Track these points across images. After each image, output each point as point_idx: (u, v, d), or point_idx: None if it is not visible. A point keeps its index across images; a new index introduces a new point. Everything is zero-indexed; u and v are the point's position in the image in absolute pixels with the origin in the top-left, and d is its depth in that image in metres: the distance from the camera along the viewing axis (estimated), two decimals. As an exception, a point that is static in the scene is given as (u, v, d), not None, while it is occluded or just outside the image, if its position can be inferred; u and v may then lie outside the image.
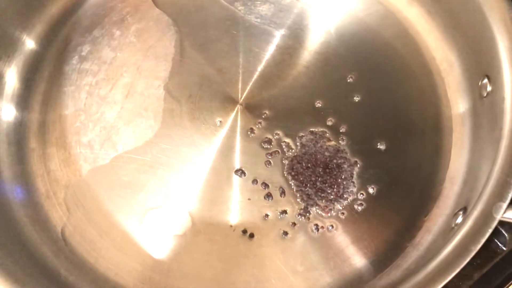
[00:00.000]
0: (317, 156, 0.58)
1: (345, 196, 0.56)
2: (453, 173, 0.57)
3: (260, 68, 0.63)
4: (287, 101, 0.61)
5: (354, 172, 0.57)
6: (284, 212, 0.56)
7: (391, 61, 0.64)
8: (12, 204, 0.55)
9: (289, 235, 0.55)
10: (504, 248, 0.53)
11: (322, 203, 0.56)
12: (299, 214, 0.56)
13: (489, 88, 0.54)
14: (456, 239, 0.44)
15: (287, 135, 0.59)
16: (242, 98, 0.62)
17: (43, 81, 0.62)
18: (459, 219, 0.50)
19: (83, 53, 0.64)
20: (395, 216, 0.56)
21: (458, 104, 0.60)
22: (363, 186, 0.57)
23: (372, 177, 0.57)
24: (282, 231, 0.55)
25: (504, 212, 0.43)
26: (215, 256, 0.54)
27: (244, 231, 0.55)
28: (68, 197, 0.57)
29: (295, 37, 0.65)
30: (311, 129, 0.60)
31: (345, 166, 0.58)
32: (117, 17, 0.66)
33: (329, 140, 0.59)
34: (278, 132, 0.60)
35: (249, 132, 0.60)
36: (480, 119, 0.56)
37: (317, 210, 0.56)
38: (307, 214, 0.56)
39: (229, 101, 0.61)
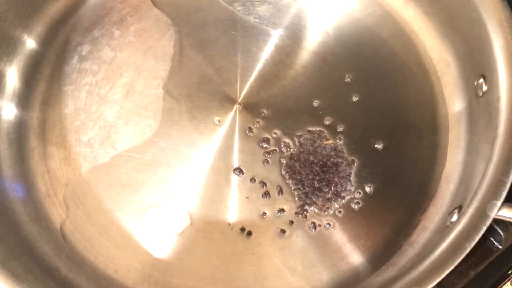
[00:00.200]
0: (315, 155, 0.58)
1: (342, 194, 0.57)
2: (449, 172, 0.58)
3: (258, 67, 0.64)
4: (285, 100, 0.62)
5: (351, 171, 0.58)
6: (282, 210, 0.56)
7: (388, 61, 0.64)
8: (12, 202, 0.56)
9: (287, 233, 0.56)
10: (500, 247, 0.53)
11: (320, 201, 0.56)
12: (297, 212, 0.56)
13: (484, 88, 0.54)
14: (451, 237, 0.45)
15: (285, 134, 0.60)
16: (241, 98, 0.62)
17: (43, 81, 0.62)
18: (455, 217, 0.51)
19: (83, 53, 0.64)
20: (392, 214, 0.56)
21: (454, 103, 0.61)
22: (360, 185, 0.57)
23: (369, 176, 0.58)
24: (280, 229, 0.56)
25: (498, 210, 0.44)
26: (213, 254, 0.55)
27: (242, 229, 0.56)
28: (68, 195, 0.57)
29: (293, 37, 0.65)
30: (309, 128, 0.60)
31: (342, 165, 0.58)
32: (116, 17, 0.66)
33: (327, 139, 0.59)
34: (276, 131, 0.60)
35: (247, 131, 0.60)
36: (476, 118, 0.56)
37: (315, 209, 0.56)
38: (305, 213, 0.56)
39: (228, 100, 0.62)
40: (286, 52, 0.65)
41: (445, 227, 0.52)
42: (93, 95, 0.62)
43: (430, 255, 0.45)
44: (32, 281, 0.47)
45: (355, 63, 0.64)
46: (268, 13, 0.66)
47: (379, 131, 0.60)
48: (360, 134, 0.60)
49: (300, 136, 0.60)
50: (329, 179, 0.57)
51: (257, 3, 0.67)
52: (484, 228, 0.44)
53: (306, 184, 0.57)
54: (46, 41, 0.64)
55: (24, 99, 0.61)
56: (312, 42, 0.65)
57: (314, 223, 0.56)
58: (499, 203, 0.44)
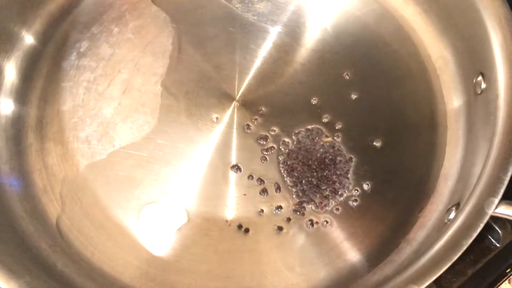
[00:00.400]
0: (313, 152, 0.58)
1: (340, 192, 0.57)
2: (447, 170, 0.58)
3: (256, 65, 0.64)
4: (284, 97, 0.62)
5: (349, 169, 0.58)
6: (279, 207, 0.56)
7: (387, 58, 0.64)
8: (9, 198, 0.56)
9: (284, 230, 0.55)
10: (498, 245, 0.53)
11: (317, 199, 0.56)
12: (294, 209, 0.56)
13: (483, 86, 0.54)
14: (448, 234, 0.45)
15: (283, 132, 0.60)
16: (239, 95, 0.62)
17: (41, 77, 0.62)
18: (452, 215, 0.51)
19: (82, 50, 0.64)
20: (389, 212, 0.56)
21: (452, 101, 0.61)
22: (358, 183, 0.57)
23: (367, 173, 0.58)
24: (277, 226, 0.56)
25: (496, 208, 0.44)
26: (211, 251, 0.55)
27: (240, 226, 0.56)
28: (65, 191, 0.57)
29: (292, 35, 0.65)
30: (307, 126, 0.60)
31: (341, 162, 0.58)
32: (115, 14, 0.66)
33: (325, 136, 0.59)
34: (274, 129, 0.60)
35: (245, 129, 0.60)
36: (474, 116, 0.56)
37: (312, 206, 0.56)
38: (302, 210, 0.56)
39: (226, 97, 0.62)
40: (284, 49, 0.64)
41: (442, 225, 0.51)
42: (91, 92, 0.62)
43: (427, 252, 0.45)
44: (29, 277, 0.47)
45: (354, 60, 0.64)
46: (266, 10, 0.66)
47: (377, 129, 0.60)
48: (358, 131, 0.60)
49: (298, 133, 0.60)
50: (327, 176, 0.57)
51: (256, 0, 0.67)
52: (482, 225, 0.43)
53: (303, 182, 0.57)
54: (44, 38, 0.64)
55: (22, 95, 0.61)
56: (310, 40, 0.65)
57: (311, 220, 0.56)
58: (496, 200, 0.44)
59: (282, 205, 0.56)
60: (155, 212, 0.56)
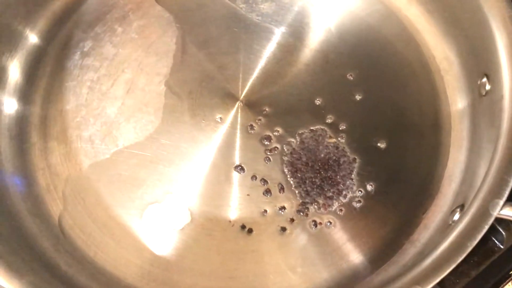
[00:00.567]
0: (316, 153, 0.58)
1: (343, 193, 0.57)
2: (451, 171, 0.57)
3: (260, 65, 0.63)
4: (287, 98, 0.62)
5: (353, 170, 0.58)
6: (283, 208, 0.56)
7: (391, 59, 0.64)
8: (12, 197, 0.56)
9: (287, 231, 0.55)
10: (502, 246, 0.53)
11: (321, 199, 0.56)
12: (298, 210, 0.56)
13: (488, 87, 0.54)
14: (453, 236, 0.44)
15: (286, 132, 0.60)
16: (243, 95, 0.62)
17: (45, 76, 0.62)
18: (456, 216, 0.51)
19: (85, 49, 0.64)
20: (393, 213, 0.56)
21: (457, 102, 0.61)
22: (361, 183, 0.57)
23: (371, 174, 0.58)
24: (281, 227, 0.55)
25: (501, 209, 0.44)
26: (214, 251, 0.55)
27: (243, 227, 0.56)
28: (69, 191, 0.57)
29: (296, 35, 0.65)
30: (310, 126, 0.60)
31: (344, 163, 0.58)
32: (119, 13, 0.66)
33: (329, 137, 0.59)
34: (278, 129, 0.60)
35: (249, 129, 0.60)
36: (479, 117, 0.56)
37: (316, 207, 0.56)
38: (306, 211, 0.56)
39: (230, 97, 0.62)
40: (288, 50, 0.64)
41: (447, 226, 0.51)
42: (95, 91, 0.62)
43: (432, 253, 0.44)
44: (32, 276, 0.47)
45: (358, 61, 0.64)
46: (270, 10, 0.66)
47: (381, 130, 0.60)
48: (362, 132, 0.60)
49: (302, 134, 0.60)
50: (331, 177, 0.57)
51: (260, 0, 0.67)
52: (487, 227, 0.43)
53: (307, 182, 0.57)
54: (48, 37, 0.64)
55: (25, 94, 0.61)
56: (314, 40, 0.65)
57: (315, 221, 0.56)
58: (501, 202, 0.44)
59: (286, 205, 0.56)
60: (158, 212, 0.56)
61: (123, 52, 0.64)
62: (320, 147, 0.59)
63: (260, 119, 0.61)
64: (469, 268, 0.53)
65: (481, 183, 0.47)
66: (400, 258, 0.53)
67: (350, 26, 0.66)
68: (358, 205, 0.56)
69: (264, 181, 0.57)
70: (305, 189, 0.57)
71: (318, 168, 0.57)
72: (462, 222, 0.45)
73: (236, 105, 0.61)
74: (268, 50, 0.64)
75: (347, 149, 0.59)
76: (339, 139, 0.59)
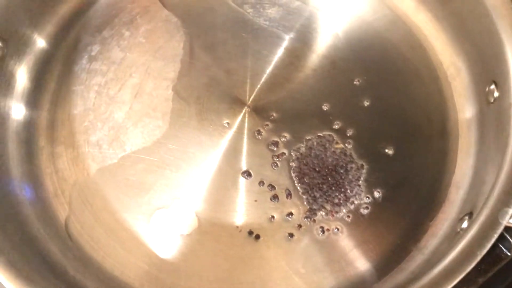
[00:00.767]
0: (324, 159, 0.58)
1: (351, 199, 0.57)
2: (459, 178, 0.57)
3: (268, 70, 0.63)
4: (295, 103, 0.62)
5: (361, 176, 0.58)
6: (290, 214, 0.56)
7: (398, 65, 0.64)
8: (20, 202, 0.56)
9: (295, 237, 0.55)
10: (509, 254, 0.53)
11: (328, 206, 0.56)
12: (305, 216, 0.56)
13: (496, 94, 0.54)
14: (462, 244, 0.45)
15: (294, 138, 0.60)
16: (250, 100, 0.62)
17: (52, 80, 0.62)
18: (465, 224, 0.51)
19: (93, 53, 0.64)
20: (401, 220, 0.56)
21: (464, 109, 0.60)
22: (369, 190, 0.57)
23: (378, 180, 0.58)
24: (288, 233, 0.55)
25: (510, 218, 0.44)
26: (221, 257, 0.55)
27: (250, 232, 0.56)
28: (76, 195, 0.57)
29: (303, 40, 0.65)
30: (318, 132, 0.60)
31: (352, 169, 0.58)
32: (126, 17, 0.66)
33: (336, 143, 0.59)
34: (285, 135, 0.60)
35: (256, 134, 0.60)
36: (487, 124, 0.56)
37: (323, 213, 0.56)
38: (313, 217, 0.56)
39: (237, 102, 0.62)
40: (296, 55, 0.64)
41: (455, 234, 0.51)
42: (102, 96, 0.62)
43: (441, 261, 0.45)
44: (40, 282, 0.47)
45: (365, 67, 0.64)
46: (278, 15, 0.66)
47: (388, 136, 0.60)
48: (370, 138, 0.60)
49: (309, 139, 0.59)
50: (338, 183, 0.57)
51: (267, 5, 0.67)
52: (496, 236, 0.44)
53: (315, 188, 0.57)
54: (56, 41, 0.64)
55: (33, 98, 0.61)
56: (322, 45, 0.65)
57: (322, 227, 0.56)
58: (511, 210, 0.44)
59: (293, 211, 0.56)
60: (165, 217, 0.56)
61: (131, 56, 0.64)
62: (328, 153, 0.59)
63: (267, 125, 0.61)
64: (476, 275, 0.53)
65: (490, 191, 0.47)
66: (407, 265, 0.53)
67: (358, 32, 0.66)
68: (365, 211, 0.56)
69: (272, 186, 0.57)
70: (312, 195, 0.57)
71: (325, 174, 0.57)
72: (471, 230, 0.45)
73: (244, 110, 0.61)
74: (276, 55, 0.64)
75: (354, 155, 0.59)
76: (346, 145, 0.59)
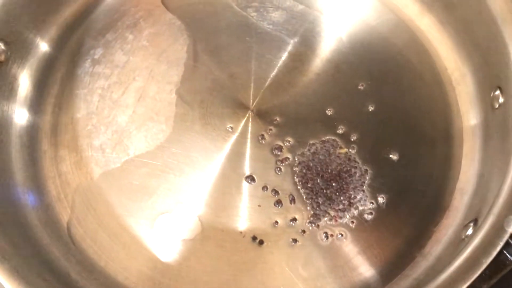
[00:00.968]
0: (328, 164, 0.58)
1: (355, 205, 0.56)
2: (463, 184, 0.57)
3: (272, 74, 0.63)
4: (298, 108, 0.62)
5: (365, 181, 0.58)
6: (294, 219, 0.56)
7: (402, 70, 0.64)
8: (23, 206, 0.56)
9: (299, 243, 0.55)
10: (513, 260, 0.53)
11: (332, 211, 0.56)
12: (309, 221, 0.56)
13: (501, 100, 0.54)
14: (467, 251, 0.45)
15: (298, 142, 0.60)
16: (254, 105, 0.62)
17: (56, 84, 0.62)
18: (470, 231, 0.50)
19: (96, 56, 0.64)
20: (405, 225, 0.56)
21: (469, 114, 0.60)
22: (373, 195, 0.57)
23: (382, 186, 0.57)
24: (292, 239, 0.55)
25: (516, 225, 0.44)
26: (224, 262, 0.55)
27: (254, 238, 0.55)
28: (79, 200, 0.57)
29: (307, 44, 0.65)
30: (322, 137, 0.60)
31: (356, 175, 0.58)
32: (130, 21, 0.66)
33: (341, 148, 0.59)
34: (289, 139, 0.60)
35: (260, 139, 0.60)
36: (492, 130, 0.56)
37: (327, 219, 0.56)
38: (317, 222, 0.56)
39: (241, 107, 0.61)
40: (299, 59, 0.64)
41: (460, 241, 0.51)
42: (106, 99, 0.62)
43: (446, 269, 0.44)
44: (43, 286, 0.47)
45: (369, 71, 0.64)
46: (282, 19, 0.66)
47: (392, 141, 0.60)
48: (374, 143, 0.60)
49: (313, 144, 0.59)
50: (342, 188, 0.57)
51: (271, 9, 0.67)
52: (501, 243, 0.43)
53: (319, 193, 0.57)
54: (59, 44, 0.64)
55: (36, 102, 0.61)
56: (326, 50, 0.65)
57: (326, 233, 0.55)
58: (516, 218, 0.44)
59: (297, 217, 0.56)
60: (169, 222, 0.56)
61: (134, 59, 0.64)
62: (332, 158, 0.58)
63: (271, 129, 0.60)
64: (480, 282, 0.52)
65: (495, 198, 0.47)
66: (411, 271, 0.53)
67: (362, 36, 0.65)
68: (369, 217, 0.56)
69: (275, 191, 0.57)
70: (316, 200, 0.57)
71: (329, 179, 0.57)
72: (476, 238, 0.45)
73: (247, 115, 0.61)
74: (280, 59, 0.64)
75: (358, 160, 0.58)
76: (350, 150, 0.59)
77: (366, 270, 0.54)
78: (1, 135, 0.57)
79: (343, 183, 0.57)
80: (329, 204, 0.56)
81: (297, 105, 0.62)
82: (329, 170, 0.58)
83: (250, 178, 0.58)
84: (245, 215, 0.56)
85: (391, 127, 0.61)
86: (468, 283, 0.42)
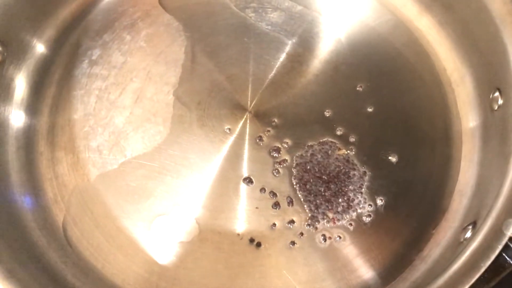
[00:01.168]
0: (326, 165, 0.58)
1: (353, 207, 0.56)
2: (462, 186, 0.57)
3: (270, 75, 0.63)
4: (297, 109, 0.61)
5: (363, 183, 0.57)
6: (292, 221, 0.56)
7: (401, 71, 0.63)
8: (20, 208, 0.55)
9: (297, 245, 0.55)
10: (512, 263, 0.52)
11: (330, 213, 0.56)
12: (307, 224, 0.55)
13: (500, 102, 0.53)
14: (466, 255, 0.44)
15: (296, 144, 0.59)
16: (252, 106, 0.61)
17: (52, 85, 0.62)
18: (468, 234, 0.50)
19: (93, 57, 0.63)
20: (403, 228, 0.56)
21: (468, 116, 0.60)
22: (371, 197, 0.57)
23: (381, 188, 0.57)
24: (290, 241, 0.55)
25: (515, 229, 0.43)
26: (221, 264, 0.54)
27: (252, 240, 0.55)
28: (76, 201, 0.57)
29: (306, 45, 0.65)
30: (320, 138, 0.59)
31: (354, 177, 0.57)
32: (127, 21, 0.66)
33: (339, 149, 0.59)
34: (287, 141, 0.59)
35: (257, 140, 0.60)
36: (491, 132, 0.56)
37: (325, 221, 0.56)
38: (315, 224, 0.55)
39: (238, 108, 0.61)
40: (298, 60, 0.64)
41: (458, 243, 0.51)
42: (103, 100, 0.61)
43: (444, 272, 0.44)
44: (40, 289, 0.47)
45: (368, 72, 0.63)
46: (280, 20, 0.66)
47: (391, 143, 0.59)
48: (372, 145, 0.59)
49: (312, 146, 0.59)
50: (340, 191, 0.57)
51: (270, 9, 0.66)
52: (500, 247, 0.43)
53: (317, 196, 0.56)
54: (56, 45, 0.63)
55: (33, 104, 0.60)
56: (324, 51, 0.64)
57: (324, 235, 0.55)
58: (515, 221, 0.44)
59: (295, 219, 0.56)
60: (165, 223, 0.56)
61: (132, 60, 0.64)
62: (330, 160, 0.58)
63: (269, 131, 0.60)
64: (479, 284, 0.52)
65: (494, 201, 0.47)
66: (410, 274, 0.53)
67: (360, 37, 0.65)
68: (368, 219, 0.56)
69: (273, 193, 0.57)
70: (314, 202, 0.56)
71: (327, 181, 0.57)
72: (475, 241, 0.45)
73: (245, 116, 0.61)
74: (278, 60, 0.64)
75: (357, 162, 0.58)
76: (348, 151, 0.59)
77: (364, 272, 0.54)
78: (-3, 136, 0.57)
79: (342, 185, 0.57)
80: (327, 206, 0.56)
81: (295, 107, 0.61)
82: (328, 172, 0.57)
83: (248, 180, 0.58)
84: (242, 217, 0.56)
85: (389, 128, 0.60)
86: (466, 287, 0.42)
